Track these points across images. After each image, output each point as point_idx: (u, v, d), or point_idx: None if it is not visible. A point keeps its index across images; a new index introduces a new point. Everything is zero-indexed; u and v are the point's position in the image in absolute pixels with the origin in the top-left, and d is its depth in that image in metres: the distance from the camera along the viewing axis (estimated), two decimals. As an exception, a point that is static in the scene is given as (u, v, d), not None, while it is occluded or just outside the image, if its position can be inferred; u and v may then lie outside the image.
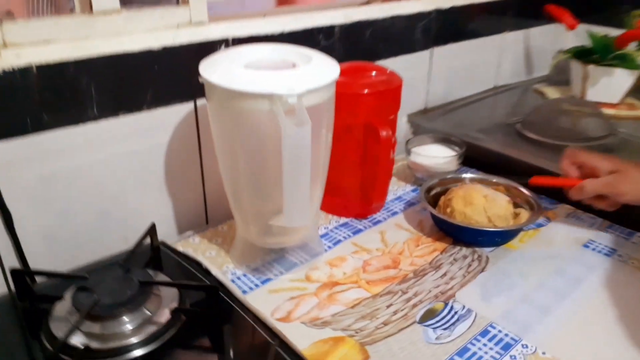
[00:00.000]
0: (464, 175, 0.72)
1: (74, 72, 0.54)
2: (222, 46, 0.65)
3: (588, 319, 0.52)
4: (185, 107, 0.65)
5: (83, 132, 0.57)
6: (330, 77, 0.51)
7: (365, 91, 0.63)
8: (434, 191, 0.71)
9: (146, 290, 0.50)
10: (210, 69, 0.51)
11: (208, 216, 0.72)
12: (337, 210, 0.71)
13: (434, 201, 0.69)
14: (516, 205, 0.67)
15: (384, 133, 0.62)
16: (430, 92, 1.03)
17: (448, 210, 0.64)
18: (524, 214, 0.65)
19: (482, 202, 0.62)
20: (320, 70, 0.52)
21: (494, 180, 0.71)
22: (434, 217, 0.65)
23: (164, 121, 0.64)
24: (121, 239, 0.64)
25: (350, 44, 0.80)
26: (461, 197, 0.63)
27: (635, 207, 0.61)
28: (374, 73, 0.67)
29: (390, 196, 0.76)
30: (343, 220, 0.70)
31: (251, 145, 0.51)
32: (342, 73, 0.65)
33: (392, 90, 0.66)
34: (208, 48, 0.63)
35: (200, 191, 0.70)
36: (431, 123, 0.97)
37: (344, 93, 0.63)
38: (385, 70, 0.68)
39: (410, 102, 0.99)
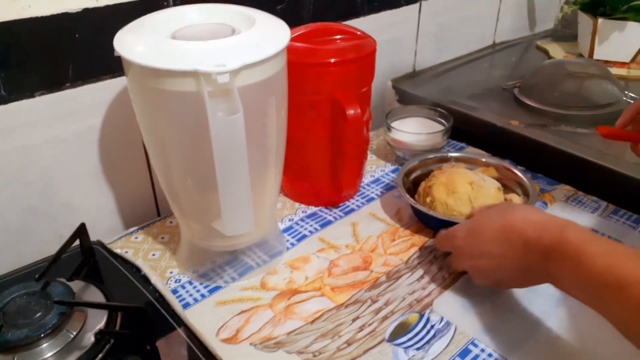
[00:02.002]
0: (449, 155, 0.62)
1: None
2: (166, 3, 0.54)
3: (585, 333, 0.44)
4: (119, 82, 0.55)
5: (-12, 117, 0.48)
6: (278, 45, 0.41)
7: (331, 60, 0.53)
8: (414, 174, 0.61)
9: (65, 311, 0.42)
10: (127, 40, 0.41)
11: (159, 207, 0.64)
12: (305, 198, 0.62)
13: (414, 186, 0.60)
14: (508, 189, 0.58)
15: (351, 112, 0.52)
16: (419, 53, 0.92)
17: (428, 199, 0.55)
18: (516, 201, 0.56)
19: (467, 190, 0.53)
20: (264, 37, 0.41)
21: (483, 160, 0.61)
22: (413, 207, 0.56)
23: (93, 100, 0.54)
24: (55, 238, 0.56)
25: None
26: (443, 184, 0.54)
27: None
28: (341, 36, 0.56)
29: (367, 178, 0.67)
30: (311, 209, 0.61)
31: (180, 132, 0.42)
32: (303, 38, 0.55)
33: (363, 57, 0.55)
34: (142, 8, 0.52)
35: (147, 178, 0.61)
36: (418, 89, 0.87)
37: (304, 63, 0.53)
38: (355, 32, 0.57)
39: (396, 64, 0.89)
